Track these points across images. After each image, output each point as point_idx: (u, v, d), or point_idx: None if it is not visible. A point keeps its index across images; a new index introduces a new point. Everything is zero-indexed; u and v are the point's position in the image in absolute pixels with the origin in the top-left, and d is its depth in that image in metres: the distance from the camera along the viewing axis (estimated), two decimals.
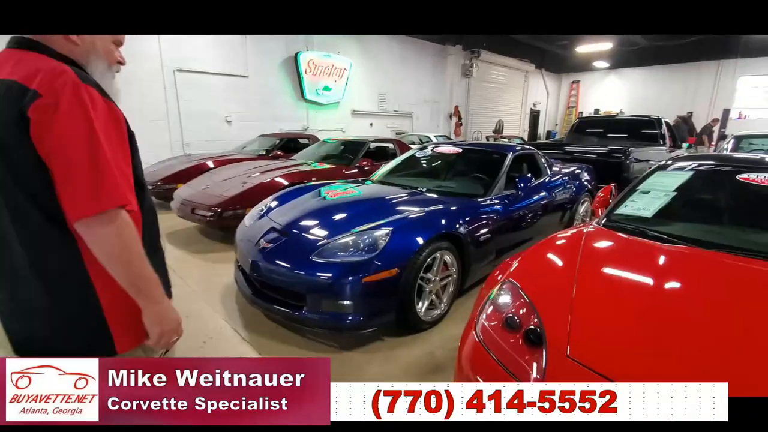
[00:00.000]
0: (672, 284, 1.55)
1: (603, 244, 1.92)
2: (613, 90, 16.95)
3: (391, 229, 2.29)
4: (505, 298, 1.53)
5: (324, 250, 2.25)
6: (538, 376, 1.21)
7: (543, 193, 3.51)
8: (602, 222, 2.23)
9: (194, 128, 8.15)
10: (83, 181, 0.75)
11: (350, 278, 2.09)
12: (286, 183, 4.27)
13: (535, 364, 1.24)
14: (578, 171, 4.36)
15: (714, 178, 2.26)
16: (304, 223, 2.62)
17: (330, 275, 2.12)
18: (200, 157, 6.13)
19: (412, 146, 5.87)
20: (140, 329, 0.91)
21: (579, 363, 1.18)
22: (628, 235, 1.97)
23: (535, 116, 17.59)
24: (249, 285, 2.49)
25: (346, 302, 2.11)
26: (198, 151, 7.26)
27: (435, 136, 9.70)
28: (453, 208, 2.69)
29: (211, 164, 5.75)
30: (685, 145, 7.11)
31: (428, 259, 2.33)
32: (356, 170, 5.00)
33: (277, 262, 2.31)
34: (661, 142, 6.43)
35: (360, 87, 10.78)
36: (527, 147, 3.85)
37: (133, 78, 7.22)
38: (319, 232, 2.45)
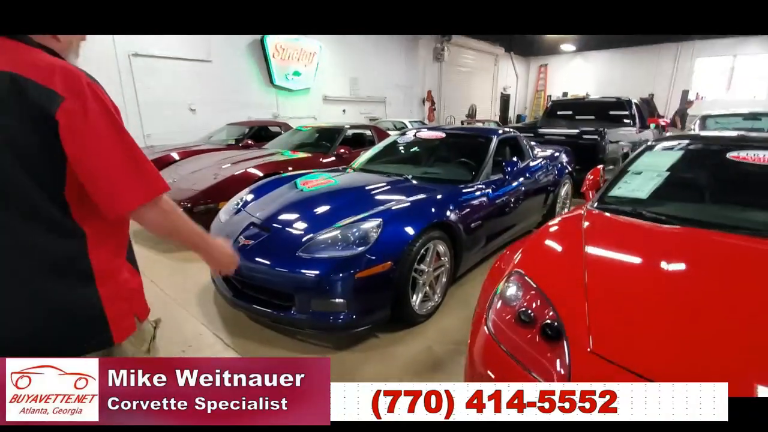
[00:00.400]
0: (681, 267, 1.51)
1: (604, 228, 1.87)
2: (579, 73, 17.31)
3: (381, 220, 2.15)
4: (514, 291, 1.44)
5: (311, 246, 2.09)
6: (563, 374, 1.13)
7: (528, 177, 3.47)
8: (596, 205, 2.19)
9: (155, 118, 7.64)
10: (130, 175, 0.83)
11: (342, 274, 1.95)
12: (260, 174, 4.03)
13: (558, 362, 1.16)
14: (557, 154, 4.35)
15: (705, 157, 2.25)
16: (287, 216, 2.44)
17: (319, 272, 1.97)
18: (164, 149, 5.73)
19: (389, 133, 5.73)
20: (132, 319, 0.95)
21: (605, 359, 1.11)
22: (626, 217, 1.93)
23: (505, 100, 17.75)
24: (229, 286, 2.30)
25: (338, 300, 1.97)
26: (161, 143, 6.81)
27: (410, 121, 9.55)
28: (442, 195, 2.58)
29: (176, 156, 5.39)
30: (652, 126, 7.31)
31: (422, 250, 2.22)
32: (334, 158, 4.81)
33: (260, 260, 2.13)
34: (631, 123, 6.57)
35: (331, 72, 10.44)
36: (509, 130, 3.79)
37: (82, 64, 6.60)
38: (303, 226, 2.28)
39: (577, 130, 5.64)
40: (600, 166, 2.75)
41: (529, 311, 1.33)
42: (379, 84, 11.73)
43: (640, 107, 7.07)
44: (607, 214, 2.01)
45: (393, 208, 2.34)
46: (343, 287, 1.96)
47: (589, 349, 1.15)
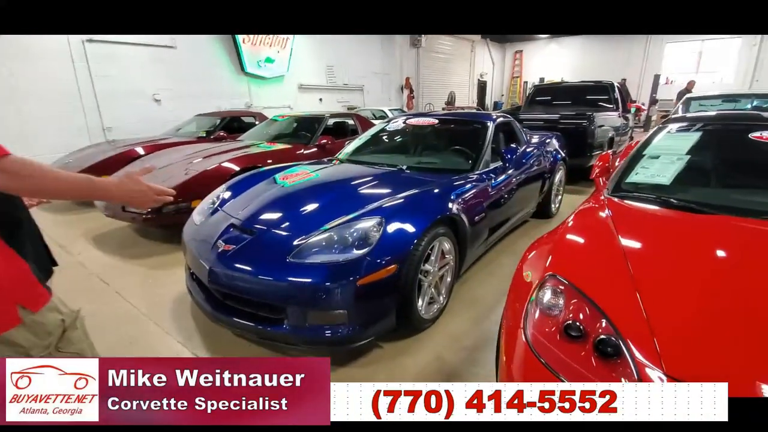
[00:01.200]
0: (732, 261, 1.34)
1: (634, 219, 1.69)
2: (554, 59, 17.37)
3: (382, 217, 1.90)
4: (553, 298, 1.23)
5: (303, 249, 1.82)
6: None
7: (525, 164, 3.29)
8: (612, 192, 2.02)
9: (116, 109, 7.05)
10: None
11: (342, 282, 1.70)
12: (236, 168, 3.69)
13: None
14: (548, 139, 4.20)
15: (725, 138, 2.11)
16: (271, 216, 2.16)
17: (315, 280, 1.70)
18: (127, 143, 5.25)
19: (373, 122, 5.44)
20: (13, 310, 0.88)
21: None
22: (652, 206, 1.76)
23: (482, 87, 17.64)
24: (208, 298, 2.01)
25: (338, 311, 1.72)
26: (123, 136, 6.28)
27: (390, 110, 9.25)
28: (444, 187, 2.35)
29: (140, 151, 4.94)
30: (632, 110, 7.32)
31: (428, 249, 1.99)
32: (316, 149, 4.50)
33: (244, 267, 1.84)
34: (614, 107, 6.53)
35: (306, 59, 9.97)
36: (503, 115, 3.59)
37: (30, 53, 5.98)
38: (292, 227, 2.01)
39: (557, 115, 5.52)
40: (609, 152, 2.59)
41: (577, 323, 1.12)
42: (356, 71, 11.33)
43: (621, 91, 7.04)
44: (630, 202, 1.85)
45: (393, 203, 2.09)
46: (344, 296, 1.70)
47: (662, 373, 0.95)
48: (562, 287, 1.24)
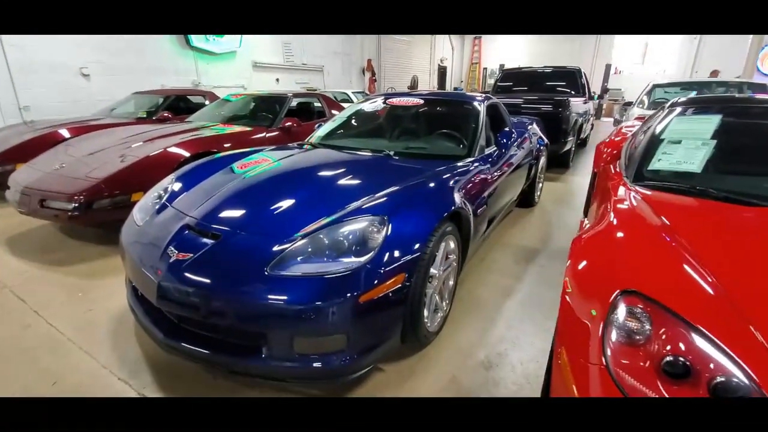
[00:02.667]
0: None
1: (683, 214, 1.46)
2: (512, 46, 17.55)
3: (383, 215, 1.54)
4: (637, 323, 0.95)
5: (286, 258, 1.42)
6: None
7: (515, 149, 3.04)
8: (635, 181, 1.81)
9: (35, 85, 6.02)
10: None
11: (339, 299, 1.33)
12: (186, 154, 3.14)
13: None
14: (530, 124, 4.00)
15: (750, 123, 1.95)
16: (238, 214, 1.72)
17: (304, 298, 1.32)
18: (49, 124, 4.43)
19: (343, 106, 5.00)
20: None
21: None
22: (694, 197, 1.56)
23: (442, 72, 17.48)
24: (158, 320, 1.56)
25: (336, 336, 1.36)
26: (45, 116, 5.35)
27: (353, 92, 8.75)
28: (444, 176, 2.02)
29: (65, 133, 4.17)
30: (595, 97, 7.40)
31: (436, 251, 1.66)
32: (279, 133, 4.00)
33: (205, 283, 1.41)
34: (581, 93, 6.52)
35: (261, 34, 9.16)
36: (489, 97, 3.31)
37: None
38: (268, 228, 1.60)
39: (537, 97, 5.37)
40: (619, 138, 2.39)
41: (680, 359, 0.85)
42: (315, 50, 10.64)
43: (587, 78, 7.07)
44: (665, 193, 1.64)
45: (392, 196, 1.73)
46: (342, 317, 1.33)
47: None
48: (644, 307, 0.97)
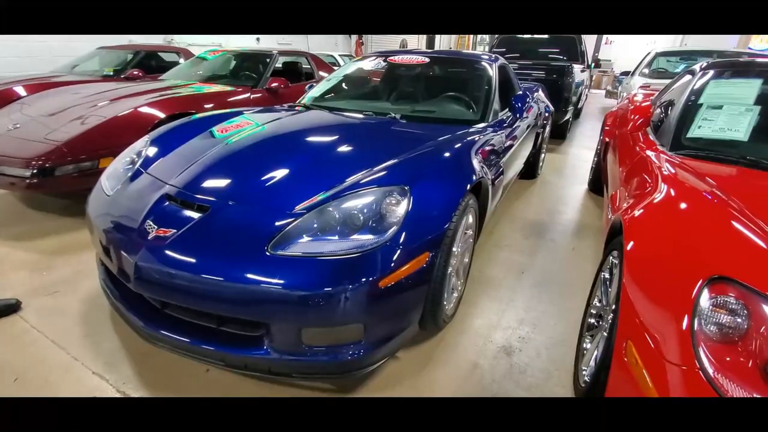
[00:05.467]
0: None
1: (745, 187, 1.31)
2: None
3: (403, 185, 1.32)
4: (732, 317, 0.79)
5: (290, 235, 1.20)
6: None
7: (526, 114, 2.82)
8: (673, 150, 1.66)
9: None
10: None
11: (356, 284, 1.12)
12: (161, 115, 2.80)
13: None
14: (536, 90, 3.76)
15: None
16: (228, 182, 1.47)
17: (314, 283, 1.11)
18: (1, 81, 3.92)
19: (333, 68, 4.63)
20: None
21: None
22: (743, 167, 1.41)
23: (431, 37, 16.78)
24: (137, 306, 1.34)
25: (351, 326, 1.16)
26: None
27: (341, 55, 8.24)
28: (462, 142, 1.79)
29: (21, 91, 3.71)
30: (592, 65, 7.18)
31: (459, 226, 1.46)
32: (265, 93, 3.65)
33: (194, 263, 1.18)
34: (580, 60, 6.28)
35: None
36: (498, 57, 3.05)
37: None
38: (266, 199, 1.36)
39: (543, 63, 5.10)
40: (647, 104, 2.19)
41: None
42: None
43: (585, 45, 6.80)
44: (714, 164, 1.49)
45: (407, 163, 1.50)
46: (359, 304, 1.14)
47: None
48: (737, 295, 0.80)
